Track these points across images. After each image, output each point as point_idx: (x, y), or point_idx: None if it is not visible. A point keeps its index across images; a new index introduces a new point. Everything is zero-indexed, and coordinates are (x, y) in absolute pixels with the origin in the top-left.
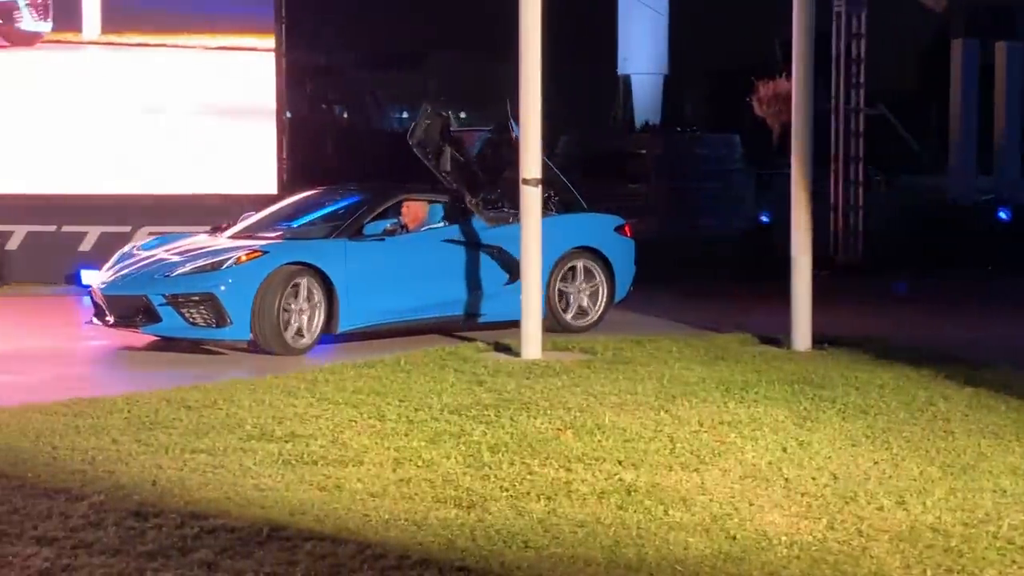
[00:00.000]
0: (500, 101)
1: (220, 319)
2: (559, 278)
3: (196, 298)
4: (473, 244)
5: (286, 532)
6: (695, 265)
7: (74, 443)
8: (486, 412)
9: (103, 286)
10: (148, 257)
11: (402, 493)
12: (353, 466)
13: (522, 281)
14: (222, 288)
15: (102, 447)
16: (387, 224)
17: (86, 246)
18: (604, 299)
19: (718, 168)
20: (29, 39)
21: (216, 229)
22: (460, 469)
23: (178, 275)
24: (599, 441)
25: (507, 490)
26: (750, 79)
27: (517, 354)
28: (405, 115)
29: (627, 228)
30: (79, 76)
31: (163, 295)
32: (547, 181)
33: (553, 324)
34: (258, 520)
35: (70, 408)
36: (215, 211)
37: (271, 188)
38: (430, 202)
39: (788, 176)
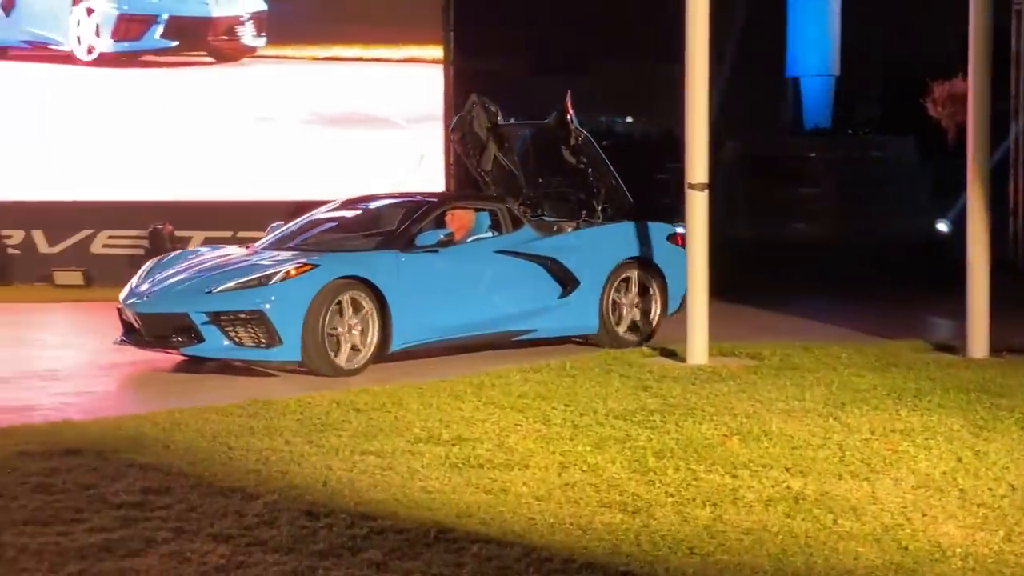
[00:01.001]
0: (666, 105)
1: (270, 338)
2: (612, 290)
3: (244, 316)
4: (525, 255)
5: (453, 534)
6: (866, 269)
7: (249, 443)
8: (651, 417)
9: (136, 303)
10: (184, 271)
11: (567, 497)
12: (519, 470)
13: (689, 287)
14: (270, 305)
15: (275, 448)
16: (442, 234)
17: None
18: (657, 312)
19: (891, 171)
20: (242, 54)
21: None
22: (625, 474)
23: (222, 291)
24: (766, 448)
25: (672, 496)
26: (924, 79)
27: (683, 359)
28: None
29: (679, 237)
30: (264, 88)
31: (206, 313)
32: (590, 184)
33: (605, 338)
34: (425, 522)
35: (245, 410)
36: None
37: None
38: (476, 210)
39: (964, 179)
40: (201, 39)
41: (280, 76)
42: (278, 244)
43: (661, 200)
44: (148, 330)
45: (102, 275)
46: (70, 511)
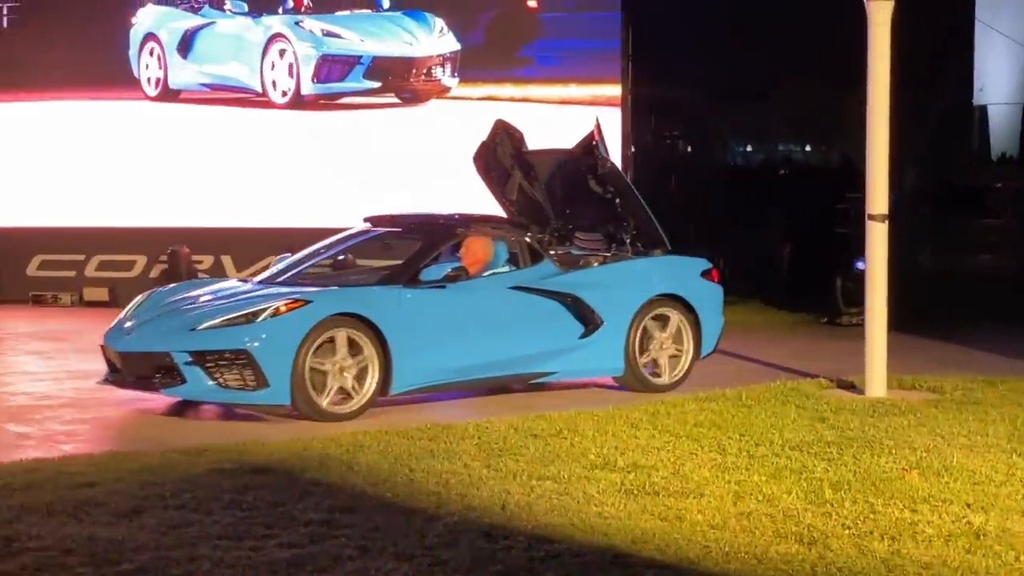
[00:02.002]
0: (847, 133)
1: (256, 380)
2: (640, 330)
3: (228, 355)
4: (543, 292)
5: (629, 560)
6: None
7: (429, 466)
8: (828, 449)
9: (116, 341)
10: (172, 306)
11: (742, 526)
12: (694, 498)
13: (867, 318)
14: (257, 344)
15: (455, 471)
16: (449, 268)
17: None
18: (689, 354)
19: None
20: (436, 94)
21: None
22: (801, 505)
23: (206, 328)
24: (946, 482)
25: (849, 528)
26: None
27: (861, 391)
28: (749, 149)
29: (715, 273)
30: (446, 125)
31: (188, 352)
32: (619, 216)
33: (632, 381)
34: (601, 547)
35: (425, 433)
36: None
37: None
38: (493, 240)
39: None
40: (403, 80)
41: (455, 112)
42: (278, 276)
43: (839, 230)
44: (129, 370)
45: None
46: (261, 527)
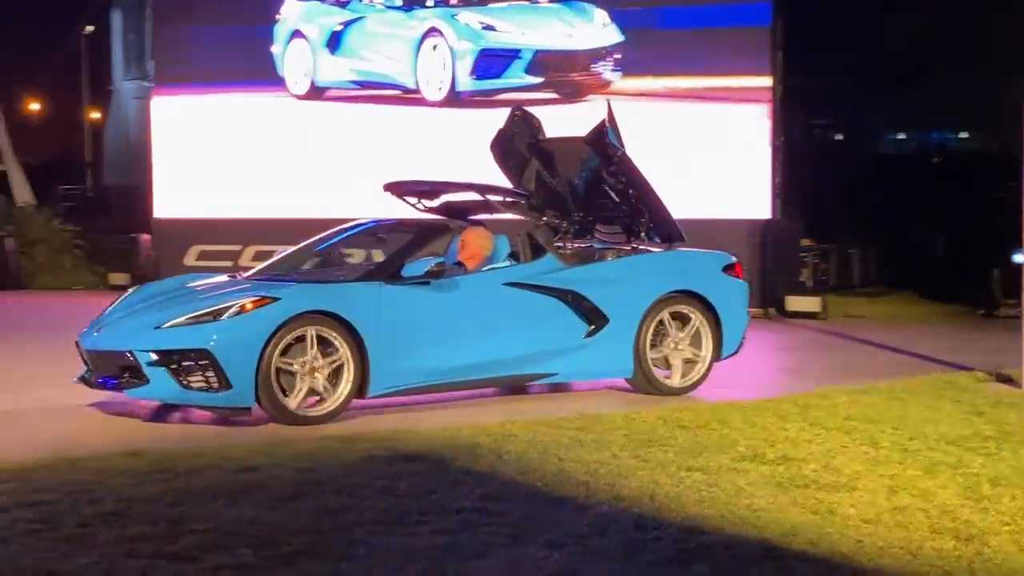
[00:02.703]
0: (1007, 120)
1: (219, 381)
2: (651, 329)
3: (190, 355)
4: (543, 288)
5: (780, 553)
6: None
7: (578, 456)
8: (985, 444)
9: (86, 338)
10: (149, 302)
11: (896, 521)
12: (846, 492)
13: None
14: (219, 343)
15: (603, 461)
16: (431, 264)
17: None
18: (708, 355)
19: None
20: (597, 89)
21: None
22: (957, 500)
23: (172, 326)
24: None
25: (1008, 524)
26: None
27: (1019, 385)
28: (902, 136)
29: (738, 268)
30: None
31: (152, 351)
32: (634, 207)
33: (644, 384)
34: (752, 539)
35: (574, 423)
36: (703, 237)
37: (764, 213)
38: (493, 234)
39: None
40: (563, 74)
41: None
42: (269, 271)
43: (997, 220)
44: (97, 369)
45: None
46: (414, 514)
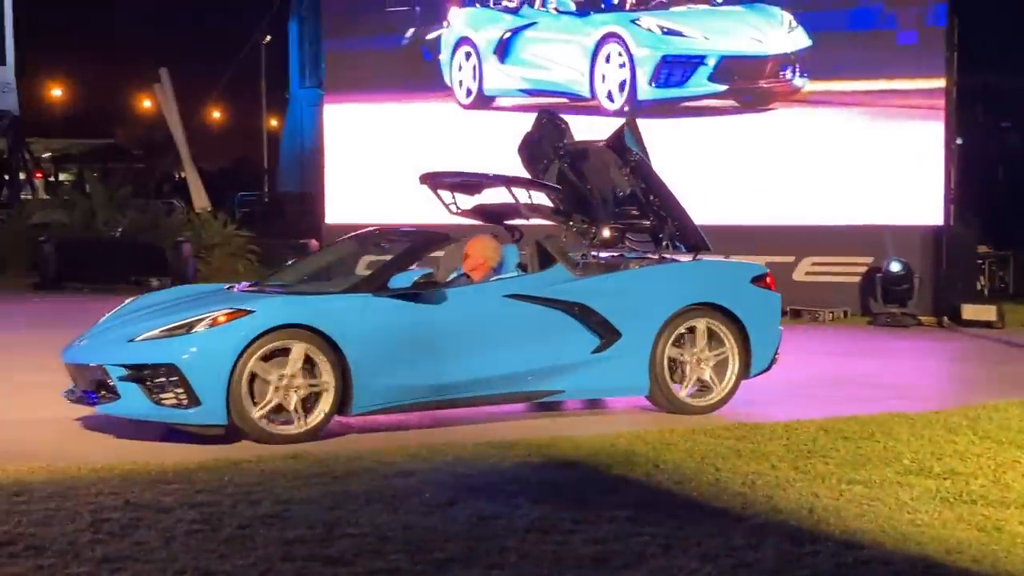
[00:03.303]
0: None
1: (189, 397)
2: (669, 343)
3: (159, 370)
4: (547, 300)
5: (942, 570)
6: None
7: (735, 466)
8: None
9: (66, 351)
10: (137, 314)
11: None
12: (1015, 508)
13: None
14: (186, 357)
15: (761, 472)
16: (417, 275)
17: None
18: (734, 371)
19: None
20: (784, 97)
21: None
22: None
23: (143, 339)
24: None
25: None
26: None
27: None
28: None
29: (770, 279)
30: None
31: (122, 365)
32: (656, 214)
33: (661, 401)
34: (913, 555)
35: (732, 432)
36: (873, 242)
37: (936, 219)
38: (501, 244)
39: None
40: (750, 82)
41: (802, 116)
42: (271, 281)
43: None
44: (77, 383)
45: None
46: (567, 522)
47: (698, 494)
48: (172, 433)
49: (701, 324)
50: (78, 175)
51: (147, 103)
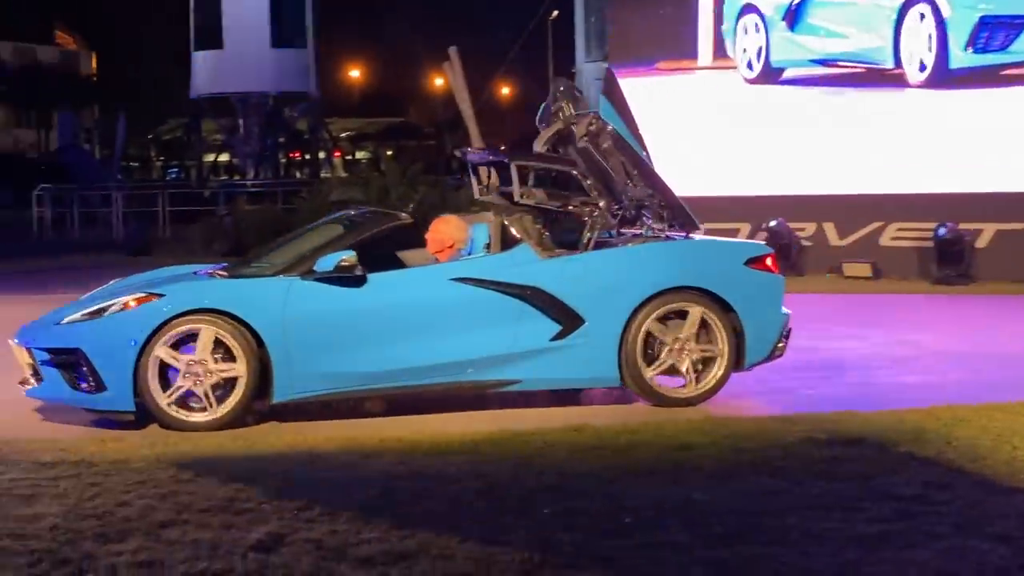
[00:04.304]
0: None
1: (96, 383)
2: (643, 328)
3: (67, 354)
4: (494, 284)
5: None
6: None
7: None
8: None
9: (19, 333)
10: (102, 293)
11: None
12: None
13: None
14: (91, 342)
15: None
16: (341, 257)
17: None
18: (722, 361)
19: None
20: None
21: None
22: None
23: (66, 323)
24: None
25: None
26: None
27: None
28: None
29: (770, 261)
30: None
31: (44, 348)
32: (647, 191)
33: (640, 392)
34: None
35: None
36: None
37: None
38: (469, 223)
39: None
40: None
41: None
42: (246, 264)
43: None
44: (26, 366)
45: (889, 267)
46: (851, 499)
47: (993, 472)
48: (449, 405)
49: (682, 309)
50: (373, 153)
51: (439, 81)
